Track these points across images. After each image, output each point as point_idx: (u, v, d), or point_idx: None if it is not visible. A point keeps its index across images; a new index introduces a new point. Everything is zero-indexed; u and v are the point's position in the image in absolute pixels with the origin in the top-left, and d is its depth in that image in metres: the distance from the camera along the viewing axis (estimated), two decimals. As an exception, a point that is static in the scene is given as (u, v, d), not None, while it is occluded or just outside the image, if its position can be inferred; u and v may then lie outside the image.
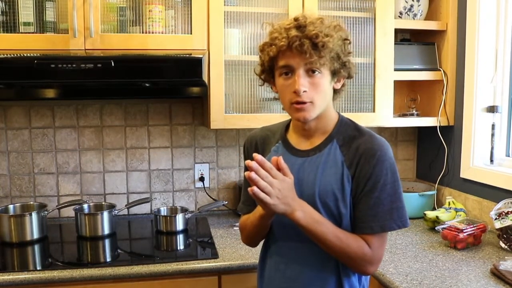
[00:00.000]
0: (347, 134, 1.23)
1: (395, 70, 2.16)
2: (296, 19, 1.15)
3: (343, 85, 1.25)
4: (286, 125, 1.34)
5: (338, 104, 2.12)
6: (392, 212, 1.17)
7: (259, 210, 1.22)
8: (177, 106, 2.31)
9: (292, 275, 1.25)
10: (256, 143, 1.36)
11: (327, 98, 1.20)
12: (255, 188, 1.06)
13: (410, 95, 2.43)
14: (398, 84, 2.25)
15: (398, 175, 1.19)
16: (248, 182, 1.09)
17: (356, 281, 1.25)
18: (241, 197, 1.42)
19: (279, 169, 1.11)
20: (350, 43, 1.21)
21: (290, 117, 1.30)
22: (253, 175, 1.06)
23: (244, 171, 1.12)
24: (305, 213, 1.13)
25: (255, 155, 1.08)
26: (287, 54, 1.14)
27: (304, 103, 1.15)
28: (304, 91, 1.14)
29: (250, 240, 1.36)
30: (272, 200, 1.08)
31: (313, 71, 1.15)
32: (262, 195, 1.06)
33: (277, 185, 1.08)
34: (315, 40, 1.11)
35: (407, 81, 2.31)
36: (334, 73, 1.19)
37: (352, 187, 1.18)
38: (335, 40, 1.14)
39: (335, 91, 1.24)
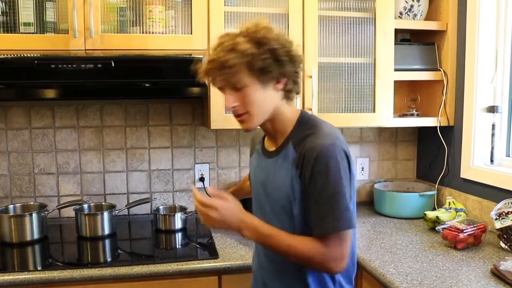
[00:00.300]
0: (302, 133, 1.23)
1: (395, 70, 2.16)
2: (218, 43, 1.21)
3: (294, 83, 1.25)
4: None
5: (338, 104, 2.13)
6: (335, 213, 1.15)
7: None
8: (177, 106, 2.31)
9: (264, 267, 1.36)
10: (253, 140, 1.50)
11: (265, 104, 1.22)
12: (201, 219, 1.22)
13: (410, 95, 2.43)
14: (398, 84, 2.26)
15: (341, 175, 1.16)
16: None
17: (326, 276, 1.26)
18: None
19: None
20: (274, 45, 1.17)
21: None
22: (197, 208, 1.22)
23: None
24: (251, 230, 1.21)
25: (193, 188, 1.31)
26: (210, 77, 1.23)
27: (240, 115, 1.23)
28: (234, 107, 1.21)
29: None
30: (215, 225, 1.20)
31: (238, 87, 1.19)
32: (206, 224, 1.21)
33: (214, 214, 1.18)
34: (217, 63, 1.17)
35: (407, 81, 2.31)
36: (262, 80, 1.19)
37: (301, 188, 1.20)
38: (240, 52, 1.15)
39: (286, 91, 1.25)
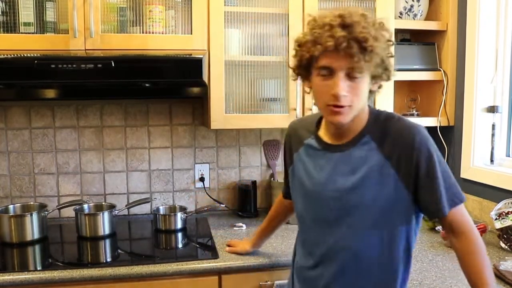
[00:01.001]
0: (379, 127, 1.19)
1: (395, 70, 2.14)
2: (340, 16, 1.07)
3: (379, 87, 1.21)
4: (319, 120, 1.31)
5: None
6: (451, 184, 1.16)
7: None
8: (177, 106, 2.31)
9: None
10: (290, 136, 1.37)
11: (364, 101, 1.15)
12: None
13: (410, 95, 2.43)
14: (398, 84, 2.26)
15: (438, 151, 1.16)
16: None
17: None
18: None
19: None
20: (392, 44, 1.15)
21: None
22: None
23: (284, 163, 1.41)
24: None
25: None
26: (330, 55, 1.07)
27: (342, 106, 1.10)
28: (344, 96, 1.09)
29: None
30: None
31: (355, 75, 1.09)
32: None
33: None
34: (364, 44, 1.05)
35: (407, 81, 2.31)
36: (375, 77, 1.14)
37: (398, 178, 1.14)
38: (382, 44, 1.08)
39: (370, 92, 1.18)
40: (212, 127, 1.99)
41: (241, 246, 1.75)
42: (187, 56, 1.89)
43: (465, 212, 1.19)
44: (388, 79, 1.18)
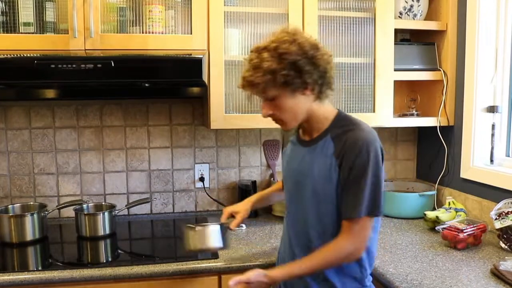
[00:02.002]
0: (342, 128, 1.34)
1: (395, 70, 2.16)
2: (248, 59, 1.32)
3: (312, 89, 1.32)
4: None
5: (338, 104, 2.12)
6: (373, 199, 1.28)
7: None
8: (177, 106, 2.31)
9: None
10: (285, 135, 1.65)
11: (297, 110, 1.33)
12: None
13: (410, 95, 2.43)
14: (398, 84, 2.26)
15: (380, 166, 1.29)
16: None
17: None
18: None
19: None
20: (294, 60, 1.26)
21: None
22: None
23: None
24: (283, 277, 1.35)
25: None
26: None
27: (276, 121, 1.37)
28: (269, 115, 1.35)
29: None
30: None
31: (269, 98, 1.32)
32: None
33: None
34: (248, 81, 1.30)
35: (407, 81, 2.31)
36: (290, 90, 1.30)
37: (340, 176, 1.31)
38: (263, 71, 1.26)
39: (318, 94, 1.34)
40: (212, 127, 1.99)
41: (242, 208, 1.71)
42: (187, 56, 1.89)
43: (368, 226, 1.32)
44: (311, 83, 1.31)
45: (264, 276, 1.32)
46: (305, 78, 1.28)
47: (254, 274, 1.33)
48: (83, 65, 1.76)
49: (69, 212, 2.16)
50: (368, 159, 1.27)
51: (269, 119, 1.39)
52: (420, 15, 2.26)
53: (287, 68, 1.26)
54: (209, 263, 1.69)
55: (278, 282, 1.36)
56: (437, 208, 2.20)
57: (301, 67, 1.27)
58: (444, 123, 2.26)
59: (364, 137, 1.29)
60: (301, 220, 1.40)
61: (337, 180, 1.31)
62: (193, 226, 1.58)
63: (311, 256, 1.33)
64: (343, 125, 1.35)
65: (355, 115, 2.08)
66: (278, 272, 1.35)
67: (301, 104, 1.33)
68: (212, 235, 1.57)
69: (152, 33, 1.92)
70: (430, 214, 2.03)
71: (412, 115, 2.34)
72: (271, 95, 1.31)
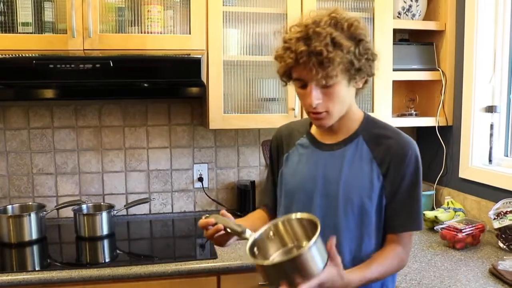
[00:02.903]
0: (374, 131, 1.23)
1: (394, 70, 2.16)
2: (306, 26, 1.10)
3: (365, 82, 1.21)
4: (310, 122, 1.32)
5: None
6: (420, 213, 1.22)
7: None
8: (176, 106, 2.31)
9: None
10: (281, 137, 1.37)
11: (345, 103, 1.18)
12: None
13: (408, 95, 2.44)
14: (396, 84, 2.26)
15: (421, 175, 1.22)
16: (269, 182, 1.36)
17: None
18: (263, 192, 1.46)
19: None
20: (367, 42, 1.15)
21: None
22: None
23: (270, 167, 1.38)
24: (359, 281, 1.11)
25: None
26: (299, 68, 1.11)
27: (319, 113, 1.14)
28: (318, 103, 1.13)
29: None
30: None
31: (325, 84, 1.11)
32: None
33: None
34: (319, 58, 1.06)
35: (405, 81, 2.31)
36: (351, 78, 1.14)
37: (384, 185, 1.19)
38: (344, 49, 1.08)
39: (357, 89, 1.20)
40: (210, 127, 1.99)
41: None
42: (186, 56, 1.89)
43: (411, 239, 1.26)
44: (369, 75, 1.19)
45: (340, 277, 1.04)
46: (371, 68, 1.16)
47: (327, 276, 1.01)
48: (81, 65, 1.76)
49: (68, 212, 2.16)
50: (418, 168, 1.20)
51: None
52: (419, 15, 2.27)
53: (364, 53, 1.12)
54: (208, 263, 1.69)
55: (352, 286, 1.09)
56: (436, 208, 2.20)
57: (371, 55, 1.14)
58: (442, 123, 2.26)
59: (411, 144, 1.21)
60: (327, 235, 1.09)
61: (380, 189, 1.19)
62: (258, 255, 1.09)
63: (376, 262, 1.17)
64: (377, 127, 1.24)
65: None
66: (354, 276, 1.10)
67: (350, 96, 1.18)
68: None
69: (151, 33, 1.92)
70: (429, 214, 2.03)
71: (410, 115, 2.34)
72: (334, 80, 1.10)
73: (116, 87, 1.85)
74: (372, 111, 2.13)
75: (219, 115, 1.98)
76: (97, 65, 1.76)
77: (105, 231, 2.00)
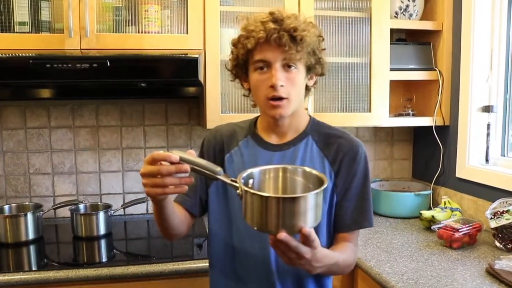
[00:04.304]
0: (322, 131, 1.26)
1: (391, 70, 2.16)
2: (271, 13, 1.15)
3: (315, 83, 1.26)
4: (254, 122, 1.33)
5: (334, 103, 2.13)
6: (371, 210, 1.25)
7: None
8: (173, 106, 2.31)
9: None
10: (221, 137, 1.31)
11: (301, 94, 1.21)
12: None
13: (406, 95, 2.44)
14: (394, 84, 2.26)
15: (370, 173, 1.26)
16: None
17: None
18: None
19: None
20: (323, 40, 1.22)
21: (256, 116, 1.33)
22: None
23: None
24: (322, 267, 1.03)
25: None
26: (264, 47, 1.13)
27: (280, 99, 1.14)
28: (282, 86, 1.13)
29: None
30: (293, 265, 0.98)
31: (289, 66, 1.14)
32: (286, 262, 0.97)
33: (300, 261, 0.97)
34: (293, 33, 1.11)
35: (403, 81, 2.31)
36: (309, 69, 1.20)
37: (336, 183, 1.21)
38: (311, 35, 1.15)
39: (307, 88, 1.24)
40: (208, 127, 1.99)
41: None
42: (183, 55, 1.89)
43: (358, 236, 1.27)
44: (323, 72, 1.23)
45: (311, 252, 0.95)
46: (321, 68, 1.22)
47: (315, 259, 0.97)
48: (78, 65, 1.75)
49: (65, 212, 2.15)
50: (368, 167, 1.23)
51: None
52: (416, 15, 2.27)
53: (320, 47, 1.19)
54: (206, 263, 1.69)
55: (317, 266, 1.01)
56: (433, 208, 2.21)
57: (323, 50, 1.21)
58: (439, 122, 2.26)
59: (360, 143, 1.25)
60: None
61: (331, 187, 1.20)
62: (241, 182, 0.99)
63: (337, 252, 1.13)
64: (324, 128, 1.27)
65: (350, 115, 2.13)
66: (324, 251, 1.04)
67: (304, 90, 1.21)
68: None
69: (148, 32, 1.92)
70: (426, 214, 2.04)
71: (408, 114, 2.34)
72: (297, 63, 1.14)
73: (113, 87, 1.85)
74: (369, 111, 2.14)
75: (216, 115, 1.98)
76: (94, 65, 1.76)
77: (102, 231, 1.99)
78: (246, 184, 0.99)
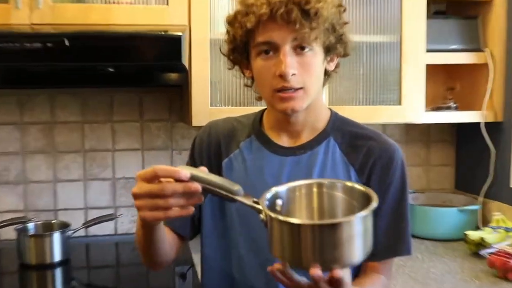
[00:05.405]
0: (347, 131, 1.25)
1: (428, 51, 2.16)
2: None
3: (336, 66, 1.24)
4: (260, 117, 1.31)
5: (354, 94, 2.12)
6: (409, 233, 1.22)
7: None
8: (150, 97, 2.31)
9: None
10: (217, 136, 1.31)
11: (319, 82, 1.18)
12: None
13: (447, 83, 2.44)
14: (431, 69, 2.25)
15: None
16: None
17: None
18: None
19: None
20: (345, 10, 1.20)
21: (263, 108, 1.31)
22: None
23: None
24: None
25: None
26: (269, 26, 1.10)
27: (293, 89, 1.12)
28: (293, 74, 1.10)
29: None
30: None
31: (303, 48, 1.12)
32: None
33: None
34: (305, 6, 1.08)
35: (443, 65, 2.31)
36: (328, 50, 1.17)
37: None
38: (328, 6, 1.12)
39: (326, 74, 1.22)
40: (194, 124, 1.98)
41: None
42: (162, 33, 1.88)
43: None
44: (346, 53, 1.21)
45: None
46: (346, 48, 1.20)
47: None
48: (28, 44, 1.74)
49: (9, 233, 2.13)
50: (405, 177, 1.22)
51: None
52: (460, -19, 2.27)
53: (342, 20, 1.17)
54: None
55: None
56: (482, 227, 2.20)
57: (346, 23, 1.19)
58: (490, 118, 2.26)
59: (396, 147, 1.23)
60: None
61: None
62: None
63: (366, 284, 1.16)
64: (350, 125, 1.26)
65: (375, 108, 2.13)
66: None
67: (322, 78, 1.20)
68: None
69: (118, 3, 1.91)
70: (473, 235, 2.04)
71: (449, 108, 2.34)
72: (313, 43, 1.11)
73: (73, 72, 1.85)
74: (400, 104, 2.13)
75: (204, 109, 1.98)
76: (48, 44, 1.75)
77: (58, 257, 1.99)
78: (272, 206, 0.98)
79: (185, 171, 0.93)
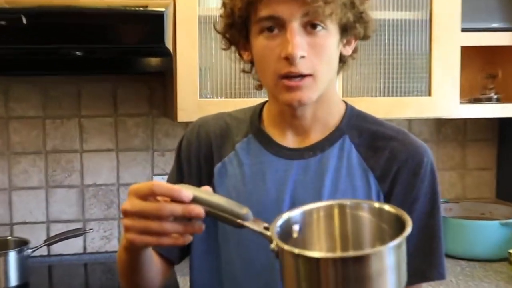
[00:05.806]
0: (366, 129, 1.23)
1: (463, 30, 2.16)
2: None
3: (354, 51, 1.23)
4: (259, 112, 1.30)
5: (374, 83, 2.13)
6: (442, 254, 1.21)
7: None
8: (126, 87, 2.32)
9: None
10: (208, 137, 1.31)
11: (333, 69, 1.17)
12: None
13: (486, 69, 2.44)
14: (467, 52, 2.26)
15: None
16: None
17: None
18: None
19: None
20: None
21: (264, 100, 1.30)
22: None
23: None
24: None
25: None
26: None
27: (301, 76, 1.10)
28: (302, 57, 1.08)
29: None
30: None
31: (315, 26, 1.09)
32: None
33: None
34: None
35: (481, 47, 2.32)
36: (345, 30, 1.14)
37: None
38: None
39: (342, 60, 1.21)
40: (179, 119, 1.99)
41: None
42: (141, 9, 1.88)
43: None
44: (366, 34, 1.20)
45: None
46: (365, 29, 1.19)
47: None
48: (-24, 22, 1.75)
49: (-43, 251, 2.15)
50: (436, 185, 1.21)
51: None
52: None
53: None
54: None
55: None
56: (529, 245, 2.21)
57: (360, 0, 1.16)
58: (539, 112, 2.27)
59: (425, 149, 1.22)
60: None
61: None
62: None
63: None
64: (369, 122, 1.26)
65: (400, 100, 2.13)
66: None
67: (336, 63, 1.18)
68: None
69: (87, -28, 1.92)
70: (519, 254, 2.04)
71: (489, 99, 2.34)
72: (326, 20, 1.08)
73: (32, 57, 1.85)
74: (429, 94, 2.13)
75: (192, 101, 1.98)
76: (2, 22, 1.76)
77: (14, 280, 1.99)
78: (286, 233, 0.95)
79: (188, 192, 0.92)
